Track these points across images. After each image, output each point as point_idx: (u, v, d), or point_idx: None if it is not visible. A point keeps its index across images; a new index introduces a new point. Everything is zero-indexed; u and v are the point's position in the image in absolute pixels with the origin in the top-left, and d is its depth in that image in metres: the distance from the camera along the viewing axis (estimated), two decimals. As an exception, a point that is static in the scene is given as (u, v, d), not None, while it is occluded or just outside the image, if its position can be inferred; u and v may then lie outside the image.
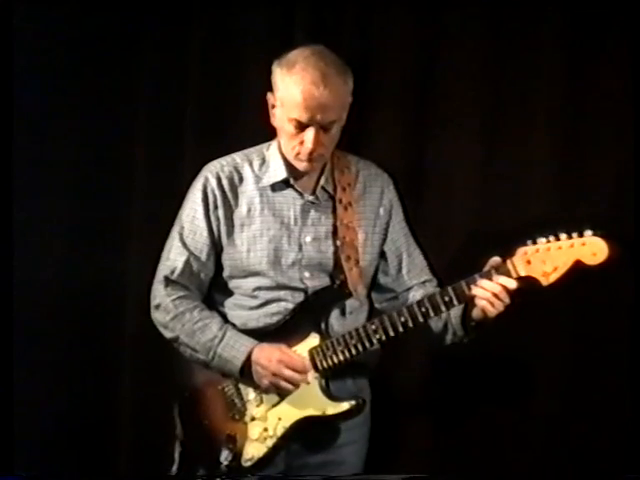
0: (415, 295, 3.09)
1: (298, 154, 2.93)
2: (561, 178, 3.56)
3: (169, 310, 3.04)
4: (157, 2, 3.74)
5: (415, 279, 3.13)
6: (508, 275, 2.83)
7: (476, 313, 2.92)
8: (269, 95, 2.97)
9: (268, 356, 2.94)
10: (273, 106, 2.96)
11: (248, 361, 2.96)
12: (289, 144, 2.94)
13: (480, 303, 2.87)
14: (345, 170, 3.06)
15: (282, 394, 2.97)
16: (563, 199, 3.55)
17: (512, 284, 2.84)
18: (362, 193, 3.07)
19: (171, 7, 3.74)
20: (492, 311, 2.87)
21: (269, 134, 3.06)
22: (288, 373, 2.93)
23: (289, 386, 2.94)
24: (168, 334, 3.05)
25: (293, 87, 2.86)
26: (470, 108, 3.62)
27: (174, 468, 3.09)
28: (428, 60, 3.64)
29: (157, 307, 3.07)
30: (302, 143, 2.90)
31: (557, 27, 3.53)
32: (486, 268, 2.89)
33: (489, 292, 2.85)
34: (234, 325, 3.03)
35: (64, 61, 3.75)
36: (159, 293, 3.06)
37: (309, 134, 2.88)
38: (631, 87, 3.46)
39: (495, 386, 3.61)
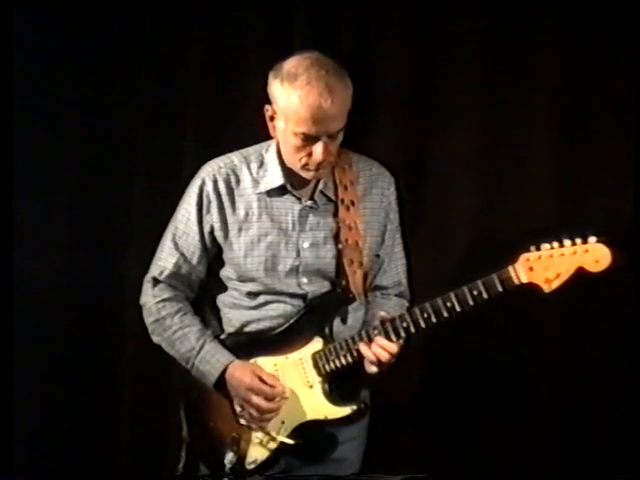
0: (374, 299, 3.13)
1: (306, 165, 2.90)
2: (561, 177, 3.57)
3: (152, 312, 3.08)
4: (157, 2, 3.74)
5: (385, 281, 3.15)
6: (510, 282, 2.82)
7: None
8: (267, 107, 2.92)
9: (239, 378, 2.97)
10: (272, 118, 2.92)
11: (223, 377, 2.99)
12: (295, 156, 2.91)
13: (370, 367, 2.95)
14: (346, 167, 3.04)
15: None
16: (563, 199, 3.57)
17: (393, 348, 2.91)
18: (363, 194, 3.06)
19: (171, 7, 3.74)
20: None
21: (269, 135, 3.02)
22: (255, 401, 2.96)
23: (255, 413, 2.97)
24: (154, 338, 3.09)
25: (298, 102, 2.81)
26: (470, 108, 3.63)
27: (180, 466, 3.10)
28: (428, 60, 3.64)
29: (143, 306, 3.12)
30: (310, 155, 2.88)
31: (557, 28, 3.53)
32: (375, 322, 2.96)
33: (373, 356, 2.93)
34: (216, 336, 3.05)
35: (64, 61, 3.75)
36: (146, 293, 3.11)
37: (318, 147, 2.85)
38: (632, 88, 3.47)
39: (493, 387, 3.63)
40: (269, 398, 2.96)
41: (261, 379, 2.97)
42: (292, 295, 3.01)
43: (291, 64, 2.87)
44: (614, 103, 3.50)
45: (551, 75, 3.55)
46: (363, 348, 2.93)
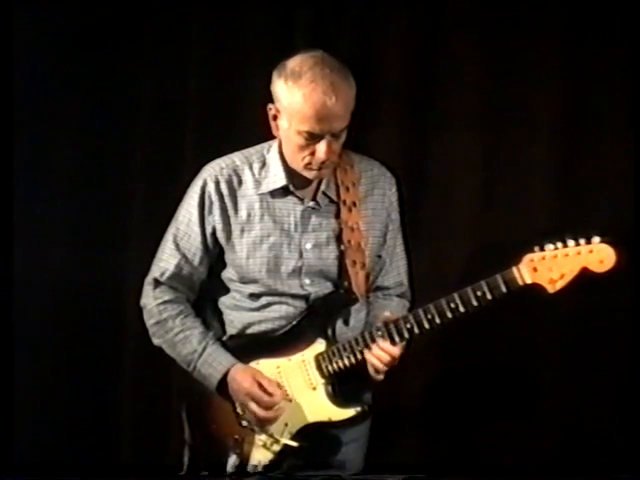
0: (376, 300, 3.13)
1: (309, 164, 2.89)
2: (562, 178, 3.58)
3: (153, 314, 3.06)
4: (158, 3, 3.73)
5: (386, 281, 3.14)
6: (514, 283, 2.81)
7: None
8: (270, 106, 2.91)
9: (239, 382, 2.96)
10: (275, 117, 2.91)
11: (225, 380, 2.97)
12: (298, 155, 2.89)
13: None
14: (348, 168, 3.03)
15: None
16: (564, 200, 3.57)
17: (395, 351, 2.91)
18: (365, 195, 3.04)
19: (171, 8, 3.73)
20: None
21: (269, 135, 3.01)
22: (253, 408, 2.94)
23: (253, 419, 2.95)
24: (154, 341, 3.07)
25: (302, 100, 2.80)
26: (470, 109, 3.63)
27: (183, 469, 3.09)
28: (428, 60, 3.65)
29: (143, 308, 3.10)
30: (313, 154, 2.86)
31: (557, 28, 3.54)
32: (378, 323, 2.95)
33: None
34: (218, 338, 3.04)
35: (64, 62, 3.74)
36: (146, 294, 3.09)
37: (322, 145, 2.84)
38: (632, 89, 3.47)
39: (494, 387, 3.63)
40: (267, 407, 2.94)
41: (261, 386, 2.95)
42: (294, 296, 3.00)
43: (295, 62, 2.86)
44: (615, 104, 3.51)
45: (552, 77, 3.55)
46: (368, 356, 2.92)
